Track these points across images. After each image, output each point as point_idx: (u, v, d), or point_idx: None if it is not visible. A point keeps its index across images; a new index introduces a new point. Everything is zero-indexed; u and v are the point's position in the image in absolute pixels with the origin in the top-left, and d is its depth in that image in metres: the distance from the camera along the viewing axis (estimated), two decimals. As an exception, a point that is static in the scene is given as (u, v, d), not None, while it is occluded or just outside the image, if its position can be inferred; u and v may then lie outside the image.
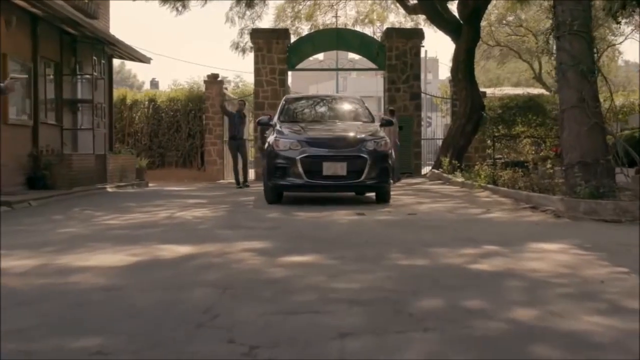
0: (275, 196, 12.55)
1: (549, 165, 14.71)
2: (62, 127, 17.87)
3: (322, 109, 14.81)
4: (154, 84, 74.30)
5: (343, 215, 10.24)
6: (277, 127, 12.99)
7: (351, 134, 12.50)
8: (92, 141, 18.34)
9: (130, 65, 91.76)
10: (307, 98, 16.37)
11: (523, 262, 5.73)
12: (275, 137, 12.48)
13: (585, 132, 10.12)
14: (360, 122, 13.48)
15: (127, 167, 20.84)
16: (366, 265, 5.54)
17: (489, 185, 14.74)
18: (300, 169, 11.92)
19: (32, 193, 14.37)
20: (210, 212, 11.21)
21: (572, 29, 10.22)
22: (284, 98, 15.73)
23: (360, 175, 11.96)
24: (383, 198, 12.50)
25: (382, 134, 12.86)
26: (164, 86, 69.53)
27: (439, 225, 8.85)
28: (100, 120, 19.03)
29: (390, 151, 12.58)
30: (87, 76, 18.84)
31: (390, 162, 12.47)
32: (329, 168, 11.92)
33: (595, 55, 10.48)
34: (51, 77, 17.66)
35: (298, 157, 11.96)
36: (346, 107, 14.79)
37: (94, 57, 18.56)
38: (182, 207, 12.12)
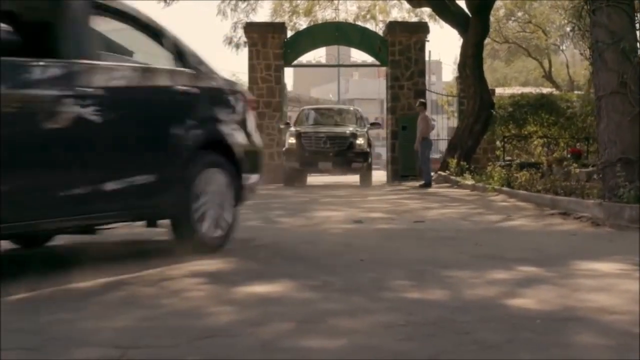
0: None
1: (574, 165, 12.97)
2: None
3: None
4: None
5: (337, 224, 8.55)
6: None
7: None
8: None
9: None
10: None
11: (581, 293, 4.03)
12: None
13: (628, 123, 8.38)
14: None
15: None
16: (358, 300, 3.83)
17: (504, 188, 13.04)
18: None
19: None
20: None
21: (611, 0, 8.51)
22: None
23: None
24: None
25: None
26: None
27: (454, 236, 7.14)
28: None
29: None
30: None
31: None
32: None
33: (639, 31, 8.75)
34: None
35: None
36: None
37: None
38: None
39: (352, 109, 23.62)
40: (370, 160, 19.05)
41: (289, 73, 57.44)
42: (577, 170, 12.38)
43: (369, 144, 19.30)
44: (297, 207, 11.01)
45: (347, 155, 18.41)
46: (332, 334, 3.12)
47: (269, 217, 9.44)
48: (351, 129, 19.44)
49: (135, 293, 4.08)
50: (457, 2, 22.76)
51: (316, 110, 23.03)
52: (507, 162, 19.19)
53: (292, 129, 19.56)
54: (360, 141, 18.70)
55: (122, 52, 6.16)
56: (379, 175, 23.60)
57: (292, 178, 18.99)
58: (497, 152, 24.57)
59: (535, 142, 24.94)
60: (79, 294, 4.08)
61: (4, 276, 4.51)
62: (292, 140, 18.83)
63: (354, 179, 20.22)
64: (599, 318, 3.39)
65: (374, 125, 22.43)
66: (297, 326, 3.24)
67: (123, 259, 5.27)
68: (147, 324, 3.29)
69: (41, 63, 4.58)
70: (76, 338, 3.07)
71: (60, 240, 6.14)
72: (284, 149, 19.36)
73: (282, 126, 21.33)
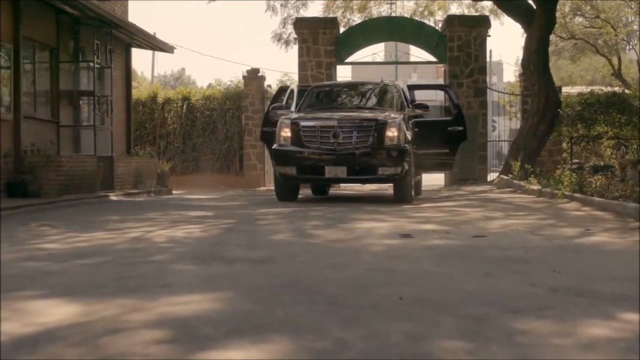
0: None
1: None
2: (58, 123, 15.09)
3: None
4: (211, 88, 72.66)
5: (380, 238, 7.14)
6: None
7: None
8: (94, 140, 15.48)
9: (190, 70, 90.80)
10: None
11: None
12: None
13: None
14: None
15: (144, 171, 17.95)
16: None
17: (576, 195, 11.47)
18: None
19: (4, 202, 11.57)
20: (200, 230, 8.18)
21: None
22: None
23: None
24: None
25: None
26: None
27: (523, 257, 5.67)
28: (105, 115, 16.21)
29: None
30: (94, 65, 16.05)
31: None
32: None
33: None
34: (46, 64, 14.91)
35: None
36: None
37: (97, 42, 15.71)
38: (172, 222, 9.16)
39: (389, 83, 15.35)
40: (408, 161, 12.30)
41: (346, 72, 56.03)
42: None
43: (408, 138, 12.47)
44: (338, 215, 9.63)
45: (370, 155, 12.23)
46: None
47: (302, 229, 8.09)
48: (380, 114, 12.77)
49: (51, 356, 2.74)
50: (521, -7, 21.20)
51: (332, 87, 15.69)
52: (577, 165, 17.55)
53: (286, 115, 13.04)
54: (392, 132, 12.17)
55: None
56: (435, 179, 22.09)
57: (288, 190, 13.02)
58: (564, 155, 22.93)
59: (605, 144, 23.21)
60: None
61: None
62: (286, 133, 12.39)
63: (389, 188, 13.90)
64: None
65: (419, 107, 13.84)
66: None
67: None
68: None
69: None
70: None
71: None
72: (273, 146, 12.68)
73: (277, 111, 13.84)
